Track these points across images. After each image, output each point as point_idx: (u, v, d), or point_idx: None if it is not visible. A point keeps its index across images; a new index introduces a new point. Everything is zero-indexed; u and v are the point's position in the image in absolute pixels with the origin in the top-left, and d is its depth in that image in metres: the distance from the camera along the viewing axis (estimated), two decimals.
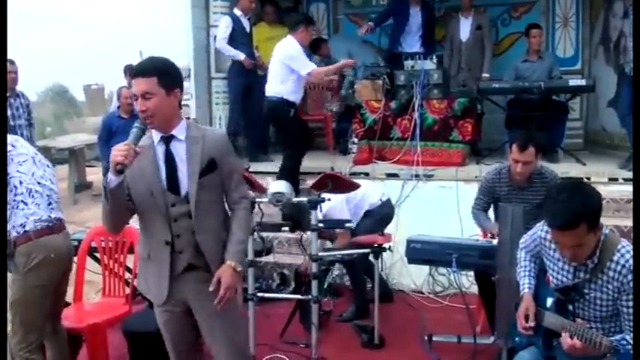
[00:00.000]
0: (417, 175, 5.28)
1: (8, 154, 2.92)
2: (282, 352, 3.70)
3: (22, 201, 2.92)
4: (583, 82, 5.69)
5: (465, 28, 6.42)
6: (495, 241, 3.30)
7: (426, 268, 4.71)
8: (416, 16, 6.45)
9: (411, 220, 4.95)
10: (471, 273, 3.87)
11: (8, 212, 2.91)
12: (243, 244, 2.45)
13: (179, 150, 2.35)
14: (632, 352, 2.13)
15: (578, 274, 2.35)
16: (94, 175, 9.07)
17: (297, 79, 5.11)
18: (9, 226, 2.91)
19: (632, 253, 2.25)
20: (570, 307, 2.35)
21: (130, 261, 3.85)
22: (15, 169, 2.93)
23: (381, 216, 4.35)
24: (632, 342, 2.15)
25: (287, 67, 5.05)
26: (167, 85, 2.26)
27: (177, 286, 2.40)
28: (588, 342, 2.21)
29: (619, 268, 2.24)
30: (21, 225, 2.90)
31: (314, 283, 3.56)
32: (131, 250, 3.75)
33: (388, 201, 4.47)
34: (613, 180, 5.09)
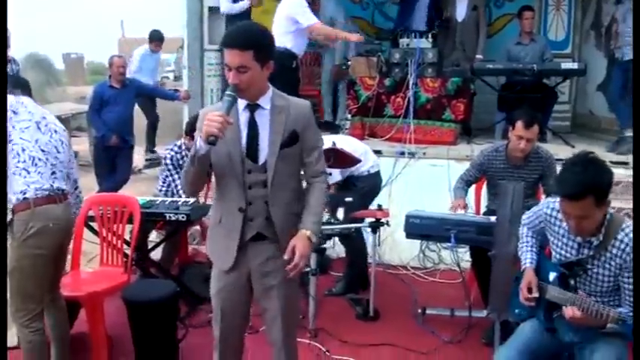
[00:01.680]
0: (409, 153, 5.34)
1: (9, 121, 2.86)
2: None
3: (25, 169, 2.86)
4: (575, 66, 5.78)
5: (461, 8, 6.41)
6: (493, 218, 3.38)
7: (416, 244, 4.78)
8: None
9: (402, 197, 5.01)
10: (462, 249, 3.94)
11: (9, 179, 2.86)
12: (319, 215, 2.45)
13: (263, 119, 2.32)
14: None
15: (582, 250, 2.43)
16: (79, 145, 8.95)
17: (298, 31, 5.22)
18: (9, 193, 2.86)
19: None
20: (572, 282, 2.44)
21: (127, 231, 3.84)
22: (18, 135, 2.87)
23: (368, 188, 4.31)
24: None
25: (291, 19, 5.17)
26: (262, 58, 2.21)
27: (244, 254, 2.40)
28: (594, 314, 2.30)
29: (622, 246, 2.32)
30: (21, 192, 2.85)
31: (313, 256, 3.61)
32: (130, 220, 3.76)
33: (377, 173, 4.39)
34: None
